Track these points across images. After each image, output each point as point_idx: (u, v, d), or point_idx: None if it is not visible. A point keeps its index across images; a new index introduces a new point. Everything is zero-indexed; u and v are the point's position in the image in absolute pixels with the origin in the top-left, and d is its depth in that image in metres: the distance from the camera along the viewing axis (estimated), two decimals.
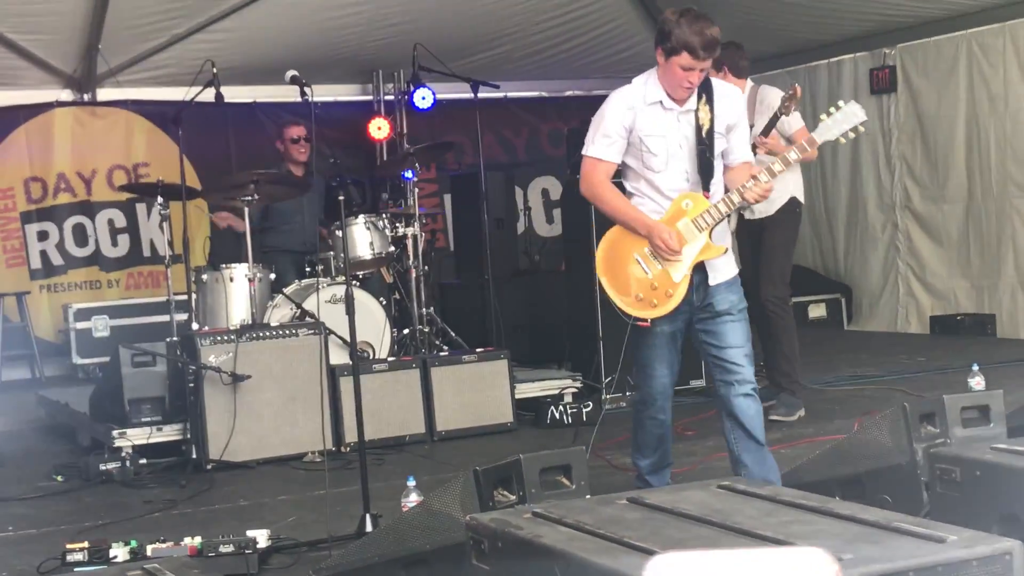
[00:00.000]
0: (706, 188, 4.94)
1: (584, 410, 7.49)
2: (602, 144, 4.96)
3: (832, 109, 4.97)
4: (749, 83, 7.33)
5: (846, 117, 4.96)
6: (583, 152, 5.07)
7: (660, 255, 4.86)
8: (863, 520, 3.16)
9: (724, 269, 5.01)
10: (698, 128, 4.90)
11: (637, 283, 4.90)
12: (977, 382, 6.80)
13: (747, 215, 7.36)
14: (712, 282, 4.96)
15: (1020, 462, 3.84)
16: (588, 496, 3.62)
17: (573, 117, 10.82)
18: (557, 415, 7.45)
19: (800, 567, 2.26)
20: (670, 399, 5.15)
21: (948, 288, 10.63)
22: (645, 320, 4.88)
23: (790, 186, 7.40)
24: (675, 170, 4.91)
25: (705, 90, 4.92)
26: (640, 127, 4.90)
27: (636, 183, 5.02)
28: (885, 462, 4.37)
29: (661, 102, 4.90)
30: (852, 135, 4.98)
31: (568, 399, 7.69)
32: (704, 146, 4.89)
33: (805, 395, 7.58)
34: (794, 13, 10.50)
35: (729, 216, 5.01)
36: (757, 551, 2.39)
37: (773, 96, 7.15)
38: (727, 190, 4.97)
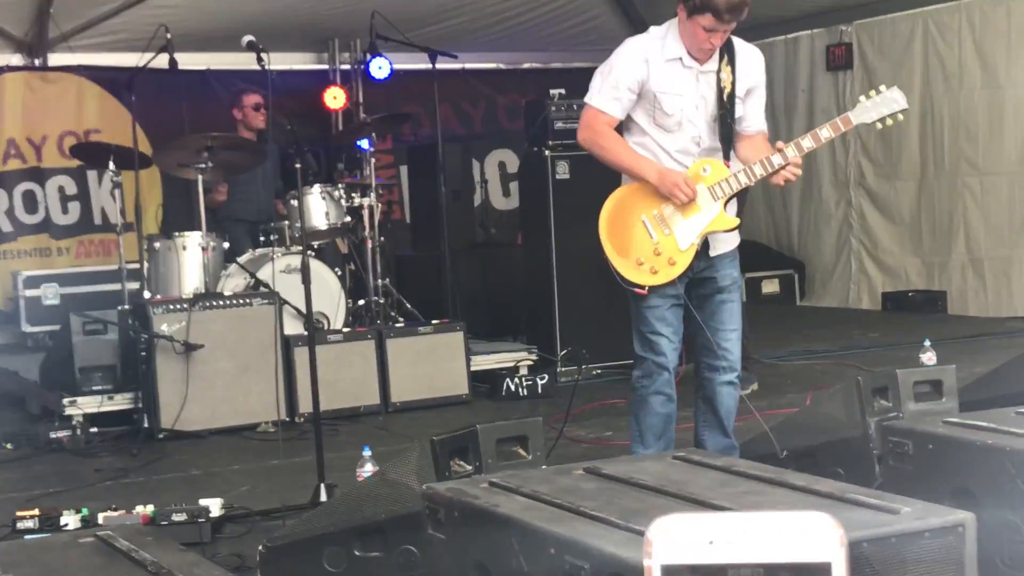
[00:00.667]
0: (726, 156, 4.74)
1: (539, 383, 7.51)
2: (608, 96, 4.68)
3: (873, 92, 4.75)
4: None
5: (885, 101, 4.73)
6: (586, 99, 4.77)
7: (675, 202, 4.61)
8: (817, 491, 3.18)
9: (728, 240, 4.83)
10: (719, 91, 4.67)
11: (640, 247, 4.65)
12: (929, 357, 6.88)
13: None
14: (713, 252, 4.78)
15: (972, 436, 3.87)
16: (544, 467, 3.62)
17: (531, 90, 10.74)
18: (512, 387, 7.46)
19: (805, 531, 2.28)
20: (676, 373, 4.85)
21: (900, 265, 10.72)
22: (643, 288, 4.67)
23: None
24: (687, 133, 4.70)
25: (727, 49, 4.69)
26: (655, 83, 4.64)
27: (641, 139, 4.75)
28: (838, 435, 4.39)
29: (681, 59, 4.65)
30: (890, 122, 4.76)
31: (523, 371, 7.70)
32: (725, 110, 4.68)
33: (758, 369, 7.64)
34: None
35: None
36: (762, 514, 2.40)
37: None
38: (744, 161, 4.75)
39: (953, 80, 10.11)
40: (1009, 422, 3.92)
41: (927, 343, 6.94)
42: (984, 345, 8.35)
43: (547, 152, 8.02)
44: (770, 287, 11.67)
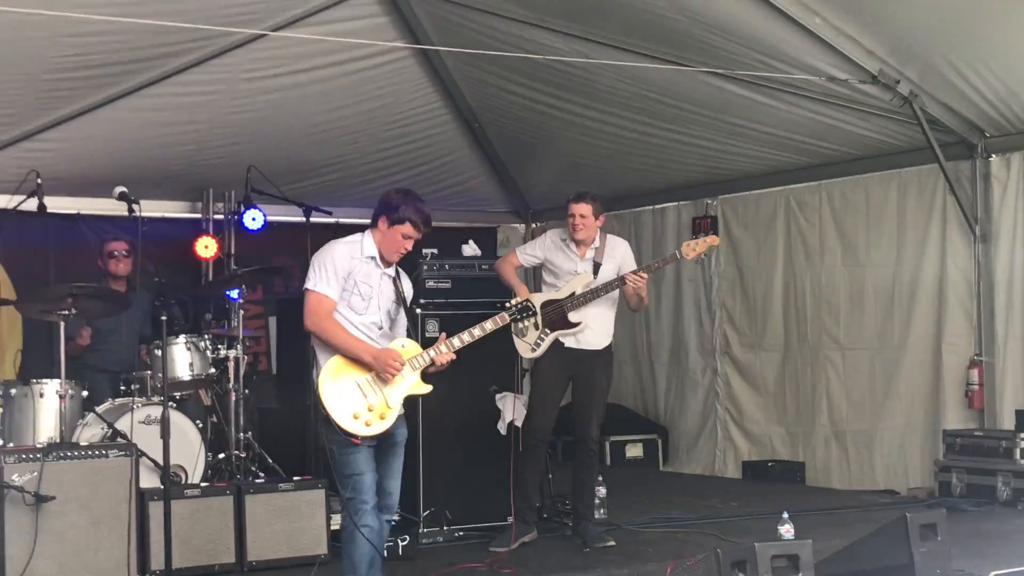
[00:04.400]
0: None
1: (400, 544, 7.39)
2: (328, 283, 5.78)
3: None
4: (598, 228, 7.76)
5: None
6: (308, 287, 5.81)
7: (385, 375, 5.73)
8: None
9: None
10: (397, 291, 5.97)
11: (356, 403, 5.69)
12: (787, 529, 6.95)
13: (569, 343, 7.54)
14: None
15: None
16: None
17: None
18: None
19: None
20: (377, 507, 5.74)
21: (764, 434, 10.88)
22: (356, 437, 5.63)
23: (612, 328, 7.69)
24: (372, 316, 5.86)
25: (397, 272, 6.00)
26: (356, 274, 5.83)
27: (338, 317, 5.81)
28: None
29: (374, 258, 5.89)
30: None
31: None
32: (403, 307, 5.98)
33: (619, 535, 7.70)
34: (621, 160, 10.79)
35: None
36: None
37: (622, 244, 7.88)
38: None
39: (815, 256, 10.43)
40: None
41: (785, 515, 7.02)
42: (842, 518, 8.45)
43: (418, 310, 8.04)
44: (634, 451, 11.75)
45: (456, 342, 5.97)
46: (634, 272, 7.52)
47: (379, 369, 5.71)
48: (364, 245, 5.92)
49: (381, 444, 5.82)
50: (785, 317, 10.70)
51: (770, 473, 10.55)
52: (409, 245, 5.94)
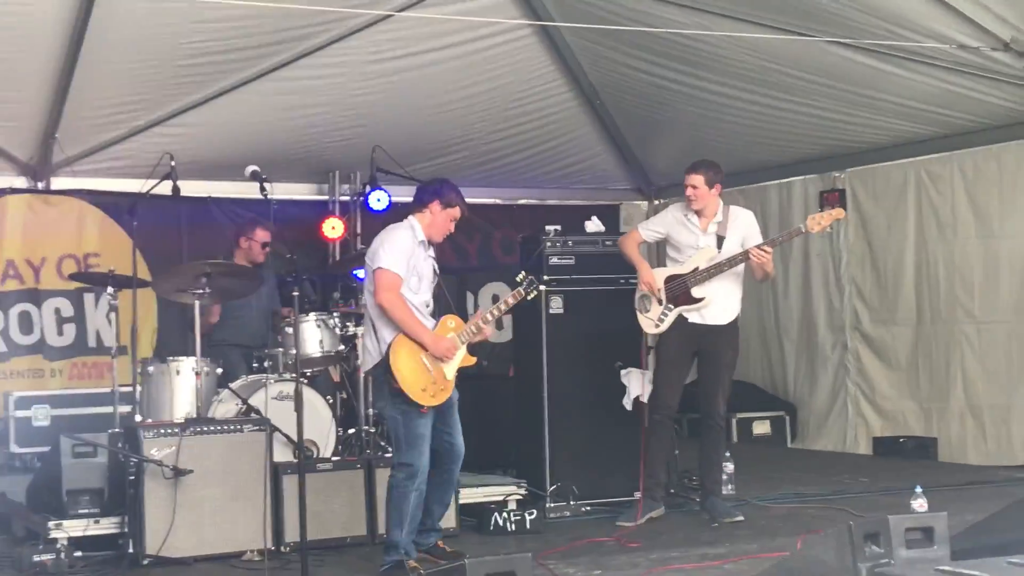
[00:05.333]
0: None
1: (528, 518, 7.44)
2: (400, 262, 6.35)
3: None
4: (720, 200, 7.70)
5: None
6: (382, 265, 6.34)
7: (444, 358, 6.40)
8: None
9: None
10: (434, 271, 6.59)
11: (423, 378, 6.35)
12: (920, 504, 6.85)
13: (694, 319, 7.50)
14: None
15: None
16: None
17: (526, 225, 10.87)
18: (500, 522, 7.39)
19: None
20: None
21: (897, 410, 10.68)
22: (424, 407, 6.31)
23: (739, 302, 7.63)
24: (424, 295, 6.50)
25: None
26: (414, 257, 6.44)
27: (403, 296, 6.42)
28: None
29: (423, 242, 6.51)
30: None
31: (512, 506, 7.64)
32: (439, 282, 6.62)
33: (747, 510, 7.67)
34: (745, 134, 10.67)
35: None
36: None
37: (745, 216, 7.74)
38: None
39: (947, 229, 10.20)
40: (1002, 571, 3.90)
41: (918, 490, 6.92)
42: (975, 493, 8.28)
43: (542, 286, 8.06)
44: (761, 428, 11.64)
45: (488, 316, 6.66)
46: (758, 247, 7.44)
47: (438, 354, 6.37)
48: (416, 230, 6.51)
49: (440, 406, 6.47)
50: (917, 291, 10.48)
51: (902, 449, 10.36)
52: (453, 227, 6.59)
